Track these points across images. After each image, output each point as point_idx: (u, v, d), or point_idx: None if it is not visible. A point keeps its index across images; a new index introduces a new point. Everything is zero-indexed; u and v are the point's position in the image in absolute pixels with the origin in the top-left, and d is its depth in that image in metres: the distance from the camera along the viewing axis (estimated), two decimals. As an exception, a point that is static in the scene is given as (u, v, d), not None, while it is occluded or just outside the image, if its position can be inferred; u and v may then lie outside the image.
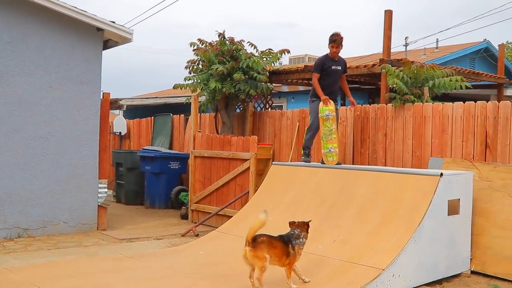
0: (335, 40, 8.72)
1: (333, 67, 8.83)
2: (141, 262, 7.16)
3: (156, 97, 20.36)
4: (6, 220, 8.72)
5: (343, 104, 14.63)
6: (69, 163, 9.39)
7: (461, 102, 8.26)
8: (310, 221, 6.22)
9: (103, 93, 10.09)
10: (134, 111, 20.14)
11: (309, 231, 6.01)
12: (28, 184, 8.96)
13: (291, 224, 6.22)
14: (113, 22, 9.66)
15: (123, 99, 17.98)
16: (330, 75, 8.86)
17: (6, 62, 8.82)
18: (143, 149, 13.03)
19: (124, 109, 16.80)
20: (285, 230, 6.11)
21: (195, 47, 11.03)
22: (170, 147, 13.78)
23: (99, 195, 9.67)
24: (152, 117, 14.84)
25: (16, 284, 6.02)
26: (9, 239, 8.63)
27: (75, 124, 9.49)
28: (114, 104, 15.68)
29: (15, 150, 8.87)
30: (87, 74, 9.63)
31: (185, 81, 11.09)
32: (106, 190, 9.78)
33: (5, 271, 6.59)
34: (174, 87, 11.25)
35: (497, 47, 14.89)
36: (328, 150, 8.45)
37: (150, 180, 12.51)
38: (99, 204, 9.67)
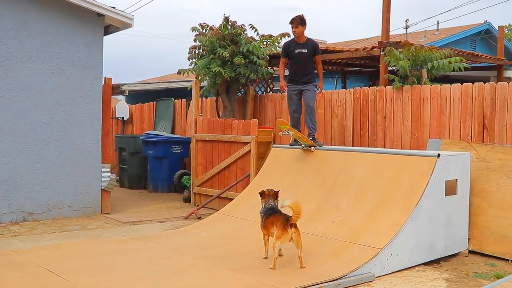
0: (292, 21, 8.67)
1: (296, 50, 8.76)
2: (144, 243, 7.30)
3: (158, 82, 20.42)
4: (12, 204, 8.86)
5: (343, 87, 14.72)
6: (72, 148, 9.50)
7: (459, 84, 8.33)
8: (279, 190, 6.53)
9: (105, 78, 10.18)
10: (136, 96, 20.22)
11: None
12: (32, 168, 9.09)
13: (265, 195, 6.44)
14: (114, 7, 9.72)
15: (125, 84, 17.99)
16: (294, 59, 8.84)
17: (9, 48, 8.91)
18: (146, 133, 13.14)
19: (127, 94, 16.79)
20: (283, 210, 6.20)
21: (197, 32, 11.10)
22: (172, 132, 13.89)
23: (103, 179, 9.79)
24: (154, 102, 14.93)
25: (22, 266, 6.16)
26: (14, 223, 8.77)
27: (78, 109, 9.59)
28: (116, 89, 15.70)
29: (19, 135, 8.98)
30: (89, 60, 9.71)
31: (190, 66, 11.18)
32: (109, 174, 9.90)
33: (11, 253, 6.74)
34: (178, 73, 11.32)
35: (498, 29, 14.86)
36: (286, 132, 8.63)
37: (153, 164, 12.63)
38: (102, 188, 9.80)
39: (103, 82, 10.07)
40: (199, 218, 9.32)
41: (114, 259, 6.53)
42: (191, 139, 11.47)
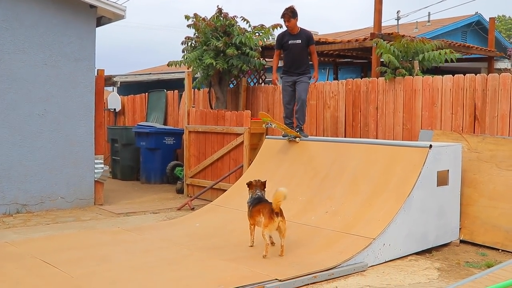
0: (283, 15, 8.68)
1: (290, 41, 8.79)
2: (138, 234, 7.34)
3: (150, 74, 20.38)
4: (5, 196, 8.87)
5: (335, 79, 14.77)
6: (65, 139, 9.51)
7: (451, 75, 8.39)
8: (265, 181, 6.68)
9: (98, 70, 10.17)
10: (128, 88, 20.17)
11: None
12: (25, 160, 9.09)
13: (252, 185, 6.58)
14: (106, -1, 9.70)
15: (117, 75, 18.06)
16: (288, 50, 8.86)
17: (1, 40, 8.89)
18: (138, 125, 13.13)
19: (118, 85, 16.88)
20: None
21: (191, 21, 11.08)
22: (165, 123, 13.89)
23: (96, 170, 9.80)
24: (146, 93, 14.91)
25: (17, 257, 6.19)
26: (8, 215, 8.78)
27: (71, 101, 9.58)
28: (108, 80, 15.77)
29: (12, 127, 8.97)
30: (82, 51, 9.70)
31: (183, 57, 11.19)
32: (102, 165, 9.92)
33: (6, 245, 6.76)
34: (168, 65, 11.34)
35: (488, 21, 14.92)
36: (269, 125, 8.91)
37: (146, 155, 12.64)
38: (95, 179, 9.81)
39: (96, 74, 10.05)
40: (192, 209, 9.36)
41: (109, 250, 6.58)
42: (183, 130, 11.48)
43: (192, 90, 11.96)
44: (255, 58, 11.08)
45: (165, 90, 14.32)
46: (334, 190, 7.38)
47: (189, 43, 11.28)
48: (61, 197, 9.41)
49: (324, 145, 8.28)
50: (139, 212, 9.30)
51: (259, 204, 6.32)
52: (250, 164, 9.29)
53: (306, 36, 8.85)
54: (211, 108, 11.76)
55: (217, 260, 6.07)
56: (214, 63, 10.63)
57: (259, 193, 6.50)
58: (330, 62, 15.68)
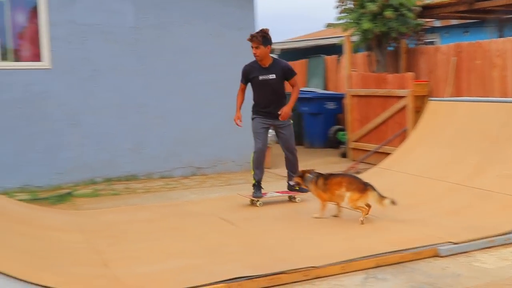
0: (251, 38, 6.97)
1: (260, 77, 7.03)
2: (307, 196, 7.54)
3: (307, 40, 20.52)
4: (182, 159, 9.57)
5: (500, 37, 13.86)
6: (232, 105, 9.91)
7: None
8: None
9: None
10: (287, 55, 20.47)
11: None
12: (198, 126, 9.71)
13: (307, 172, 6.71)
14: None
15: (276, 43, 18.38)
16: (259, 87, 7.12)
17: (170, 14, 9.50)
18: (300, 90, 13.32)
19: (279, 53, 17.22)
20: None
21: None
22: (325, 88, 14.04)
23: (263, 135, 10.16)
24: (305, 60, 15.09)
25: (198, 214, 6.75)
26: (185, 177, 9.46)
27: (236, 69, 9.95)
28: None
29: (184, 95, 9.61)
30: (243, 21, 10.05)
31: (338, 20, 11.18)
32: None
33: (186, 203, 7.36)
34: (326, 26, 11.39)
35: None
36: None
37: (308, 120, 12.89)
38: (263, 144, 10.19)
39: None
40: (358, 172, 9.42)
41: (280, 211, 6.86)
42: (344, 95, 11.53)
43: (351, 54, 11.91)
44: (413, 19, 10.76)
45: (323, 56, 14.40)
46: (506, 153, 7.07)
47: (343, 7, 11.19)
48: (232, 160, 9.92)
49: (493, 106, 7.92)
50: (305, 175, 9.52)
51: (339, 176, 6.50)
52: (414, 127, 9.15)
53: (282, 69, 7.12)
54: (372, 71, 11.65)
55: (386, 221, 6.11)
56: (372, 28, 10.48)
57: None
58: (494, 19, 14.69)
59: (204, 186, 8.73)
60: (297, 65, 15.56)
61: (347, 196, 6.17)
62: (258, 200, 7.11)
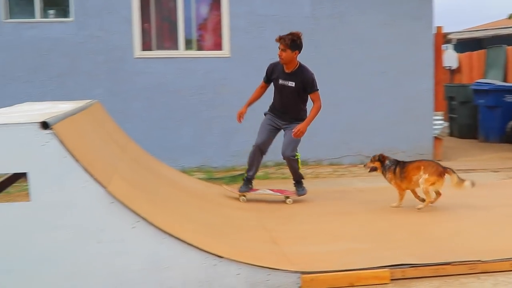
0: (280, 38, 6.47)
1: (280, 81, 6.67)
2: (478, 190, 7.29)
3: (486, 29, 19.59)
4: (351, 147, 9.68)
5: None
6: (404, 96, 9.87)
7: None
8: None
9: (436, 27, 10.23)
10: (464, 45, 19.72)
11: None
12: (369, 115, 9.74)
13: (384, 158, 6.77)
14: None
15: (451, 33, 17.82)
16: (278, 90, 6.79)
17: (345, 3, 9.62)
18: (476, 82, 12.86)
19: (455, 42, 16.65)
20: None
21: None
22: (504, 80, 13.35)
23: (435, 127, 9.99)
24: (484, 50, 14.44)
25: (367, 202, 6.89)
26: (353, 165, 9.55)
27: (410, 59, 9.88)
28: (444, 38, 15.56)
29: (357, 85, 9.69)
30: (419, 10, 9.88)
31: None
32: (442, 122, 10.08)
33: (354, 190, 7.49)
34: (510, 17, 10.80)
35: None
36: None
37: (484, 113, 12.35)
38: (434, 135, 10.00)
39: (434, 31, 10.13)
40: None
41: (450, 204, 6.72)
42: (526, 87, 10.89)
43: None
44: None
45: (504, 46, 13.67)
46: None
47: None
48: (402, 151, 9.79)
49: None
50: (479, 169, 9.21)
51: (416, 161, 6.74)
52: None
53: (303, 80, 6.60)
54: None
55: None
56: None
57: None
58: None
59: (373, 175, 8.74)
60: (475, 56, 14.95)
61: (424, 178, 6.20)
62: (241, 195, 6.90)
